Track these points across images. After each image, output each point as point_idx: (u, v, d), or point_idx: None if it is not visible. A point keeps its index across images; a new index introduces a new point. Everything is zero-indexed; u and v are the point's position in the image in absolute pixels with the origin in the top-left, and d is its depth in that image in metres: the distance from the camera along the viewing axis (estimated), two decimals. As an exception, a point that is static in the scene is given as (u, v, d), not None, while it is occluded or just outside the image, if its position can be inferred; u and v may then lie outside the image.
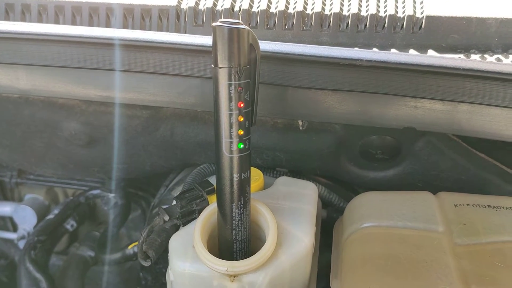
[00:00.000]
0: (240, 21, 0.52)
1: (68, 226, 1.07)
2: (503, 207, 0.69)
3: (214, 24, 0.51)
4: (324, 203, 0.87)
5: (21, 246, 1.13)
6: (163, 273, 0.91)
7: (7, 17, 0.86)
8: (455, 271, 0.60)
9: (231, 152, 0.55)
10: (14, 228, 1.21)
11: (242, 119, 0.54)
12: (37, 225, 1.12)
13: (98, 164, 0.95)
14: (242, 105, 0.53)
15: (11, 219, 1.19)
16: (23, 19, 0.86)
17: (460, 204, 0.70)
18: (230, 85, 0.52)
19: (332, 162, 0.85)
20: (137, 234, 1.15)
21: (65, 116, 0.86)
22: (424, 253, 0.63)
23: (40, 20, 0.85)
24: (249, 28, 0.52)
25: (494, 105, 0.65)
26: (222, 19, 0.51)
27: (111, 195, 1.08)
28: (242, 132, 0.54)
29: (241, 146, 0.55)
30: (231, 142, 0.54)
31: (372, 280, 0.60)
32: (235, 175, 0.56)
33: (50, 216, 1.06)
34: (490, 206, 0.69)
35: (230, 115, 0.53)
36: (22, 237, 1.13)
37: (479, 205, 0.70)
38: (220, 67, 0.51)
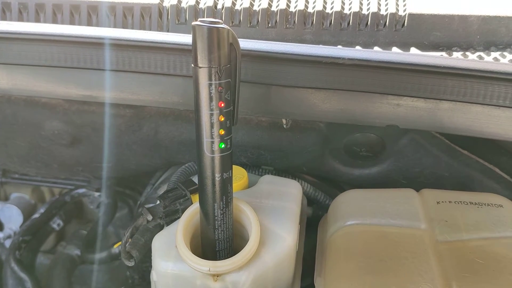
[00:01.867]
0: (220, 20, 0.52)
1: (55, 225, 1.06)
2: (484, 203, 0.70)
3: (193, 23, 0.50)
4: (309, 200, 0.87)
5: (8, 246, 1.12)
6: (150, 271, 0.91)
7: (-13, 16, 0.85)
8: (436, 268, 0.60)
9: (212, 152, 0.55)
10: (0, 228, 1.20)
11: (223, 119, 0.54)
12: (23, 224, 1.11)
13: (82, 163, 0.94)
14: (222, 104, 0.53)
15: (-4, 218, 1.18)
16: (3, 17, 0.84)
17: (442, 201, 0.71)
18: (210, 84, 0.52)
19: (317, 160, 0.86)
20: (124, 232, 1.14)
21: (47, 115, 0.86)
22: (406, 250, 0.63)
23: (20, 18, 0.84)
24: (229, 28, 0.52)
25: (475, 103, 0.65)
26: (202, 19, 0.51)
27: (97, 194, 1.07)
28: (223, 132, 0.54)
29: (223, 146, 0.55)
30: (212, 142, 0.54)
31: (355, 277, 0.61)
32: (217, 175, 0.56)
33: (36, 216, 1.05)
34: (472, 203, 0.70)
35: (211, 115, 0.53)
36: (8, 237, 1.12)
37: (461, 202, 0.70)
38: (200, 67, 0.51)
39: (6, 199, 1.19)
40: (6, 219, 1.13)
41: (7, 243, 1.13)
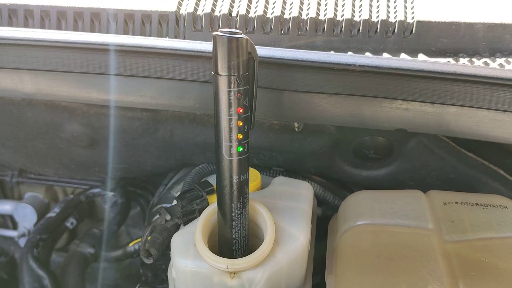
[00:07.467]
0: (239, 30, 0.54)
1: (68, 224, 1.09)
2: (490, 205, 0.72)
3: (214, 33, 0.53)
4: (319, 201, 0.90)
5: (22, 244, 1.15)
6: (163, 269, 0.93)
7: (10, 22, 0.87)
8: (444, 267, 0.63)
9: (230, 155, 0.57)
10: (14, 226, 1.23)
11: (241, 124, 0.56)
12: (37, 223, 1.13)
13: (100, 164, 0.97)
14: (241, 110, 0.56)
15: (11, 217, 1.21)
16: (26, 24, 0.87)
17: (449, 202, 0.73)
18: (229, 91, 0.54)
19: (326, 162, 0.88)
20: (135, 231, 1.17)
21: (67, 118, 0.88)
22: (415, 249, 0.65)
23: (42, 25, 0.87)
24: (247, 37, 0.54)
25: (481, 108, 0.67)
26: (222, 29, 0.53)
27: (111, 193, 1.10)
28: (241, 136, 0.57)
29: (240, 149, 0.57)
30: (230, 146, 0.57)
31: (365, 275, 0.63)
32: (235, 177, 0.59)
33: (51, 214, 1.08)
34: (478, 204, 0.72)
35: (230, 120, 0.56)
36: (23, 235, 1.15)
37: (467, 203, 0.73)
38: (220, 75, 0.54)
39: (20, 198, 1.21)
40: (20, 217, 1.15)
41: (21, 242, 1.16)
